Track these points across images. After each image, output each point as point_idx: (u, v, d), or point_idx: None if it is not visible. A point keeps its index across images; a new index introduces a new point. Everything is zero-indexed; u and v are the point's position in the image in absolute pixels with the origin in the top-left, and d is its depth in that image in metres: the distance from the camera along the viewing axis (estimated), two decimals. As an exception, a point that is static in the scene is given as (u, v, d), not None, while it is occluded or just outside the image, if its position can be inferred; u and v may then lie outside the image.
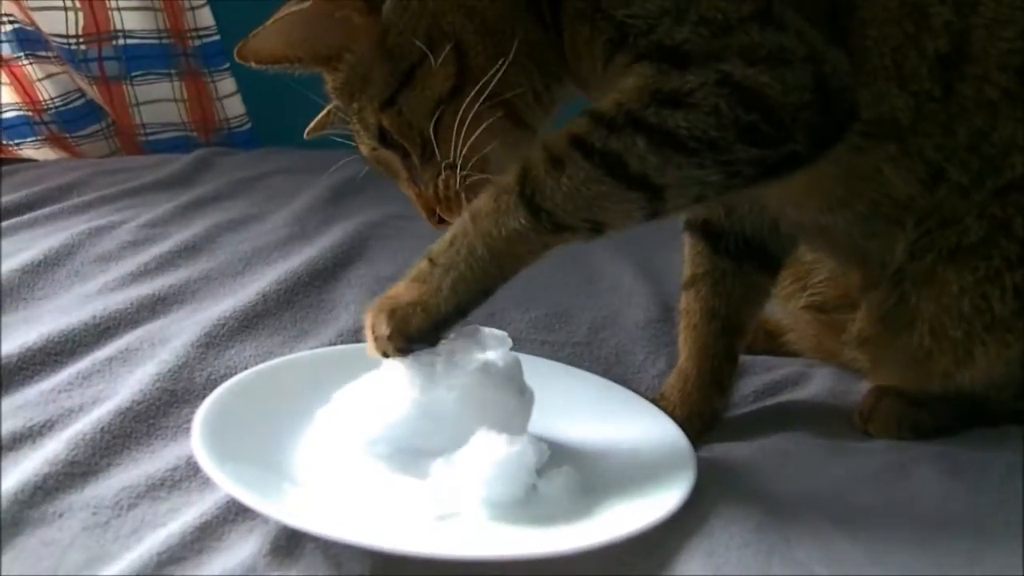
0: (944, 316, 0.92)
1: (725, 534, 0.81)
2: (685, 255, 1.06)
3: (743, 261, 1.02)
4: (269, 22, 0.90)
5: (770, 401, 1.11)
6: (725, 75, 0.77)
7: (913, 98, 0.88)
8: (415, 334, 0.82)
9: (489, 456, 0.81)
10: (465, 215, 0.83)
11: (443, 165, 0.91)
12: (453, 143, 0.88)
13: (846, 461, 0.95)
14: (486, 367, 0.87)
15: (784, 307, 1.13)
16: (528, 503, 0.81)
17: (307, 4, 0.88)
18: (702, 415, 1.02)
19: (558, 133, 0.81)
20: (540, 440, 0.86)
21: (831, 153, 0.83)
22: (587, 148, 0.78)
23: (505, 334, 0.89)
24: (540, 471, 0.84)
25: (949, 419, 1.02)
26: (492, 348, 0.88)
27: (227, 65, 2.02)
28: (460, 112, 0.87)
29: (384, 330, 0.82)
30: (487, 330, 0.89)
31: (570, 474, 0.84)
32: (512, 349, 0.89)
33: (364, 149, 0.97)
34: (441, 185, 0.91)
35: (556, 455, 0.87)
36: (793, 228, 1.02)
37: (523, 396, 0.89)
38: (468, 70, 0.88)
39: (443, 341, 0.85)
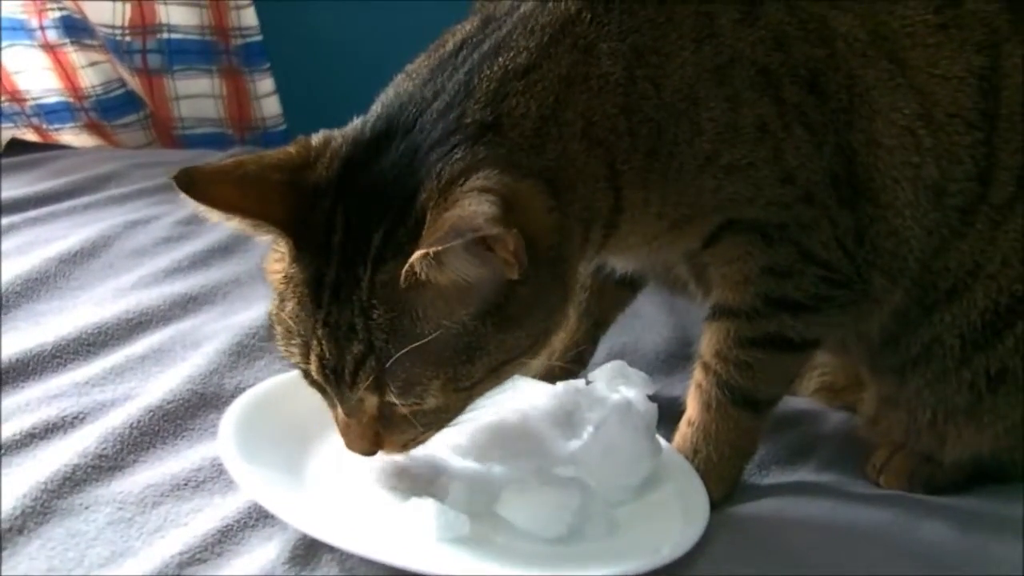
0: (915, 403, 1.01)
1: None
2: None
3: None
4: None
5: (783, 439, 1.10)
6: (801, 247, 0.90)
7: None
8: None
9: (535, 492, 0.83)
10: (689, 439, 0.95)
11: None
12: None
13: (857, 509, 0.96)
14: (627, 406, 0.91)
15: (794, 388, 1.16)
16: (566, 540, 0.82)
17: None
18: None
19: (716, 346, 0.92)
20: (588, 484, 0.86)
21: None
22: (755, 341, 0.91)
23: (648, 377, 0.96)
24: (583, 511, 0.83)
25: (963, 476, 1.03)
26: (635, 386, 0.93)
27: (267, 65, 2.03)
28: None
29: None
30: (633, 369, 0.95)
31: (610, 519, 0.85)
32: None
33: (315, 367, 0.79)
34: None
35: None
36: None
37: (654, 443, 0.91)
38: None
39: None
